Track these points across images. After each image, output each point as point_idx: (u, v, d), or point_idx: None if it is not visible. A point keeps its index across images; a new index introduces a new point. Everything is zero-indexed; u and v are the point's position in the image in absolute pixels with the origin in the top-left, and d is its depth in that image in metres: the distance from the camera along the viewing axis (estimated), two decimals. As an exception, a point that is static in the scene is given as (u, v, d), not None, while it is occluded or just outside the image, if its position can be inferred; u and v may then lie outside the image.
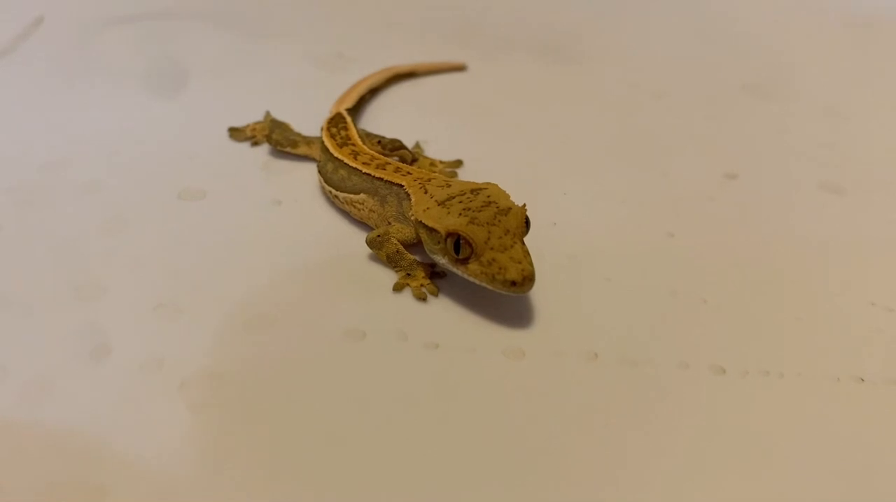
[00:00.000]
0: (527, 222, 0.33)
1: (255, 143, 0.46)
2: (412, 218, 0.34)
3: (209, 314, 0.34)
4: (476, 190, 0.34)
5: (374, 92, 0.50)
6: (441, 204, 0.34)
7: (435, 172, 0.40)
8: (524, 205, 0.33)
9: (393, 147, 0.42)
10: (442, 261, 0.34)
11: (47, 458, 0.28)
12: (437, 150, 0.45)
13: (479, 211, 0.33)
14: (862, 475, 0.29)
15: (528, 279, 0.31)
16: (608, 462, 0.29)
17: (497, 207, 0.33)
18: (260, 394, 0.31)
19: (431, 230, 0.33)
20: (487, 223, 0.32)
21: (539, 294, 0.35)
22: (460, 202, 0.34)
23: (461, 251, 0.32)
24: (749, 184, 0.44)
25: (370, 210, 0.38)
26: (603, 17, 0.65)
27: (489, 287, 0.32)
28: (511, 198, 0.34)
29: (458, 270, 0.33)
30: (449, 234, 0.32)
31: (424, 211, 0.34)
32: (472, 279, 0.33)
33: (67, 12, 0.61)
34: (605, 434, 0.30)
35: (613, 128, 0.50)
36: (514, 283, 0.31)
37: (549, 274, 0.36)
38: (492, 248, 0.32)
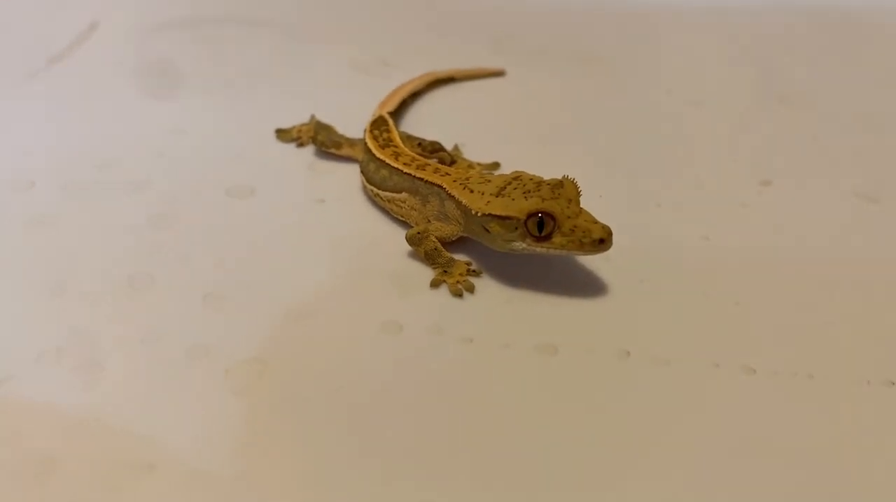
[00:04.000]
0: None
1: (301, 145, 0.47)
2: (476, 214, 0.35)
3: (254, 305, 0.36)
4: (516, 177, 0.36)
5: (415, 96, 0.52)
6: (498, 195, 0.35)
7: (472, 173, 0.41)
8: (566, 175, 0.35)
9: (433, 149, 0.43)
10: (520, 246, 0.35)
11: (99, 436, 0.30)
12: (474, 153, 0.46)
13: (538, 190, 0.34)
14: (892, 476, 0.29)
15: (610, 234, 0.33)
16: (640, 458, 0.30)
17: (548, 184, 0.34)
18: (301, 381, 0.32)
19: (505, 219, 0.34)
20: (552, 198, 0.34)
21: (573, 292, 0.36)
22: (515, 188, 0.35)
23: (545, 228, 0.33)
24: (783, 191, 0.44)
25: (411, 208, 0.39)
26: (638, 27, 0.65)
27: (576, 253, 0.34)
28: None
29: (540, 249, 0.34)
30: (530, 215, 0.33)
31: (487, 204, 0.35)
32: (556, 253, 0.34)
33: (120, 18, 0.64)
34: (637, 431, 0.30)
35: (649, 133, 0.50)
36: (601, 241, 0.33)
37: (583, 273, 0.37)
38: (568, 218, 0.33)
